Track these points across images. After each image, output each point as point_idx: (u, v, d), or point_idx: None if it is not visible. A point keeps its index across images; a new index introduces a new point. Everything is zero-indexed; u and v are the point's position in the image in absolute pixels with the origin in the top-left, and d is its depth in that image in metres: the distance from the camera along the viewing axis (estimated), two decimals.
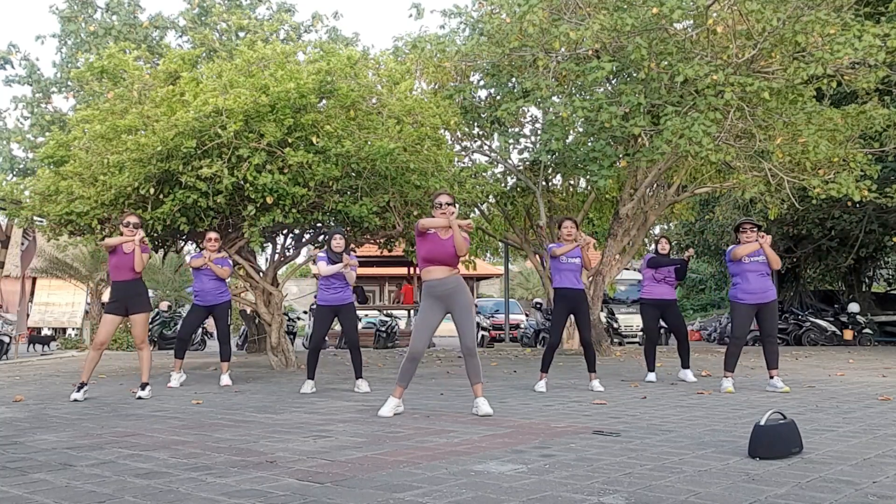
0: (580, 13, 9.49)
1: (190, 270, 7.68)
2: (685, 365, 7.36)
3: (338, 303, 6.73)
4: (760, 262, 6.22)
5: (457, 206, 5.16)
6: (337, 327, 7.91)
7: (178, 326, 17.15)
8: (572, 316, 6.56)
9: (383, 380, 7.75)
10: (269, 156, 7.72)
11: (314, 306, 14.47)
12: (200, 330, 17.66)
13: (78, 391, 6.11)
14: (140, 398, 6.17)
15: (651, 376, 7.31)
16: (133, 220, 6.30)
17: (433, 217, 5.01)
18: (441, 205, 4.98)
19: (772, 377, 6.33)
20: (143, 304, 6.27)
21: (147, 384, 6.33)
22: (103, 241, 6.31)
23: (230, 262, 7.86)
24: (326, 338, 7.31)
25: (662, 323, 7.76)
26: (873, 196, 10.39)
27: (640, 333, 17.20)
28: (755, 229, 6.31)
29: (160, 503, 2.64)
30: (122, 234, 6.27)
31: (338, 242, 6.73)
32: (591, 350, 6.59)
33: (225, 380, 7.49)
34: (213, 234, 7.67)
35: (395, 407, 4.93)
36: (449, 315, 4.96)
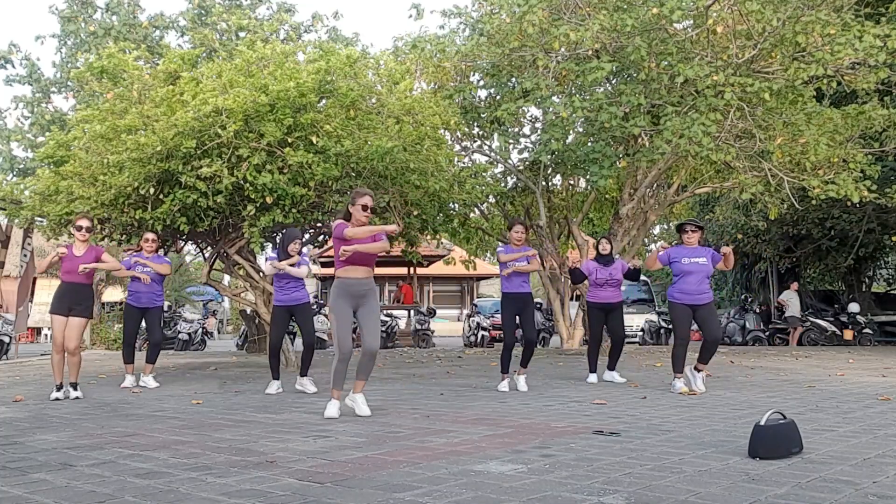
0: (580, 13, 9.48)
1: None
2: (611, 367, 7.29)
3: (292, 303, 6.70)
4: (701, 263, 6.24)
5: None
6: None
7: (177, 326, 17.21)
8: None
9: (383, 379, 7.75)
10: (268, 156, 7.72)
11: (314, 305, 14.48)
12: (200, 329, 17.66)
13: (58, 391, 6.25)
14: (77, 398, 6.24)
15: (592, 378, 7.23)
16: (84, 223, 6.34)
17: (355, 217, 4.91)
18: (366, 207, 4.87)
19: (698, 370, 6.27)
20: (85, 310, 6.30)
21: (76, 384, 6.38)
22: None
23: (168, 259, 7.74)
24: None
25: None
26: (873, 196, 10.37)
27: (640, 333, 17.20)
28: (697, 230, 6.37)
29: (160, 503, 2.64)
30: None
31: (295, 247, 6.67)
32: (531, 349, 6.61)
33: (150, 382, 7.36)
34: (150, 235, 7.51)
35: (339, 409, 4.88)
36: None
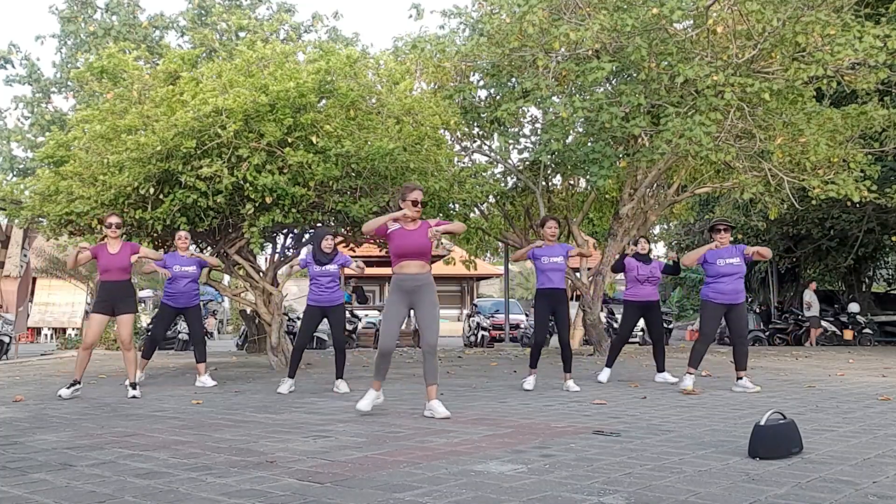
0: (580, 13, 9.48)
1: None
2: (661, 368, 7.24)
3: (327, 303, 6.67)
4: (735, 264, 6.29)
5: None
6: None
7: (177, 327, 17.17)
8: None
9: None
10: (268, 156, 7.72)
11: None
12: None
13: (68, 388, 6.23)
14: (134, 397, 6.24)
15: (605, 373, 7.19)
16: (114, 220, 6.35)
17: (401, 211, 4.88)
18: (416, 202, 4.84)
19: (740, 378, 6.34)
20: (130, 305, 6.33)
21: (135, 384, 6.39)
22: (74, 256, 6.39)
23: (202, 260, 7.64)
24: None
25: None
26: (873, 196, 10.38)
27: (640, 333, 17.17)
28: (729, 230, 6.41)
29: (160, 503, 2.64)
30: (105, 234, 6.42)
31: (328, 243, 6.66)
32: (569, 350, 6.61)
33: (207, 381, 7.37)
34: (182, 233, 7.46)
35: (375, 399, 4.93)
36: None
